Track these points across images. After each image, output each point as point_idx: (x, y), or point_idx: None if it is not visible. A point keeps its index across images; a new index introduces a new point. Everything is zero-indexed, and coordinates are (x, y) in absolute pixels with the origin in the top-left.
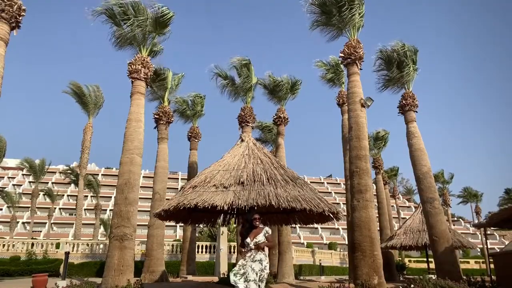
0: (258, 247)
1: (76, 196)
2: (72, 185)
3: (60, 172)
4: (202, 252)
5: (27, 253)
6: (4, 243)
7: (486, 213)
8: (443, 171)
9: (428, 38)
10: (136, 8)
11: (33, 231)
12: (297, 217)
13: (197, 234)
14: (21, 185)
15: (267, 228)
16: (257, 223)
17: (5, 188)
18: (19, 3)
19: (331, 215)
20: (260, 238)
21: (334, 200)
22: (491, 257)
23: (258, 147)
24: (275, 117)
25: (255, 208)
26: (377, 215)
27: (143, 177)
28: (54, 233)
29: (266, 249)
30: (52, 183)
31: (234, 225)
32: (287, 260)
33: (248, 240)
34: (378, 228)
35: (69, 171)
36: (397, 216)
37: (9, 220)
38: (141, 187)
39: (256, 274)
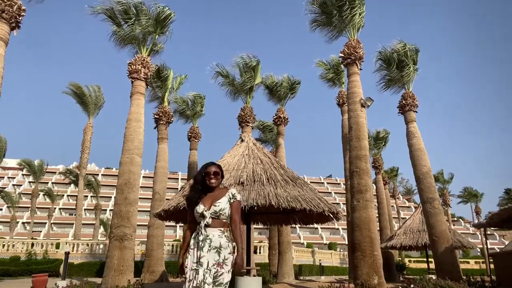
0: (219, 223)
1: (76, 196)
2: (72, 185)
3: (60, 172)
4: None
5: (27, 253)
6: (4, 243)
7: (486, 213)
8: (443, 171)
9: (428, 38)
10: (136, 8)
11: (33, 231)
12: (297, 217)
13: None
14: (21, 185)
15: (233, 191)
16: (213, 181)
17: (5, 188)
18: (19, 3)
19: (331, 215)
20: (222, 205)
21: (334, 200)
22: (491, 257)
23: (258, 147)
24: (275, 117)
25: (255, 207)
26: (377, 215)
27: (143, 177)
28: (54, 233)
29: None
30: (52, 183)
31: None
32: (287, 260)
33: (200, 208)
34: (378, 228)
35: (68, 172)
36: (397, 216)
37: (9, 220)
38: (141, 187)
39: (209, 271)
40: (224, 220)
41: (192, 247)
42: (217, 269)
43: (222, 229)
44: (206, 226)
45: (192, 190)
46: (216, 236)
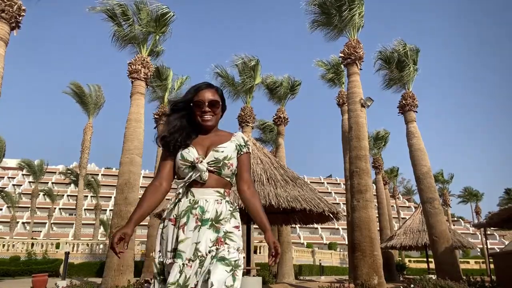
0: (218, 181)
1: (76, 196)
2: (72, 185)
3: (60, 172)
4: None
5: (27, 253)
6: (4, 243)
7: (486, 213)
8: (442, 171)
9: (428, 38)
10: (136, 8)
11: (33, 231)
12: (297, 217)
13: None
14: (21, 185)
15: (242, 135)
16: (208, 118)
17: (5, 188)
18: (19, 3)
19: (331, 215)
20: (228, 152)
21: (334, 200)
22: (491, 257)
23: (258, 147)
24: (275, 117)
25: None
26: (377, 215)
27: (143, 177)
28: (54, 233)
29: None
30: (52, 183)
31: None
32: (287, 260)
33: (192, 154)
34: (378, 228)
35: (69, 172)
36: (397, 216)
37: (9, 220)
38: (141, 187)
39: (199, 265)
40: (228, 179)
41: (165, 223)
42: (217, 247)
43: (222, 190)
44: (197, 185)
45: (172, 124)
46: (212, 201)
